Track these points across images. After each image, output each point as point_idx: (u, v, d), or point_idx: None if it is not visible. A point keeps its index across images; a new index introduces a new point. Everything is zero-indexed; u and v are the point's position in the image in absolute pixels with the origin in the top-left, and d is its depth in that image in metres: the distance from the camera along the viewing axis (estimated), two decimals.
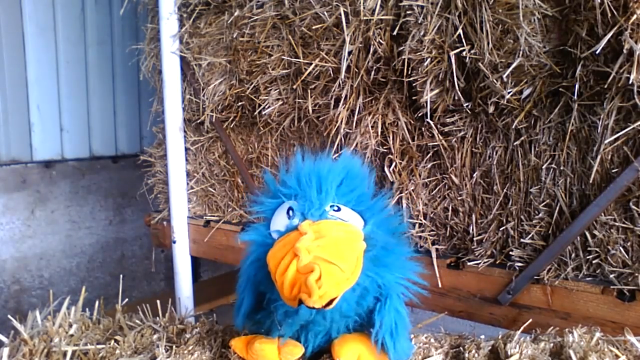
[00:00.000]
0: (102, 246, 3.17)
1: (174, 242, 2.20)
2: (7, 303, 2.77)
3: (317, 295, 0.76)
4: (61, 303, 1.21)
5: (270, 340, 0.96)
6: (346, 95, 1.59)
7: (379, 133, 1.58)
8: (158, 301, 1.32)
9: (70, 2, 2.92)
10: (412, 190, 1.55)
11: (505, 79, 1.26)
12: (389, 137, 1.57)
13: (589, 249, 1.28)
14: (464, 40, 1.30)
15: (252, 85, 1.83)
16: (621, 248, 1.23)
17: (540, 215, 1.34)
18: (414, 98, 1.49)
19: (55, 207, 2.94)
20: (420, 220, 1.56)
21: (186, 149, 2.22)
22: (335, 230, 0.88)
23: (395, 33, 1.44)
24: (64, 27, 2.91)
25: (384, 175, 1.60)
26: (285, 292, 0.81)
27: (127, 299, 1.31)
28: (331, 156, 1.05)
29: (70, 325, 1.15)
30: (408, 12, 1.39)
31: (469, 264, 1.47)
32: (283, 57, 1.72)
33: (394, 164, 1.57)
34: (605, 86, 1.15)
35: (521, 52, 1.21)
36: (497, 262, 1.43)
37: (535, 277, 1.34)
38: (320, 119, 1.70)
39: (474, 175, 1.45)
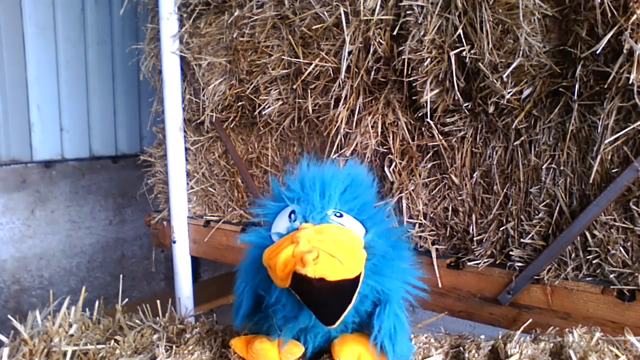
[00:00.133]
0: (102, 246, 3.17)
1: (174, 242, 2.20)
2: (7, 303, 2.77)
3: (312, 267, 0.74)
4: (61, 303, 1.21)
5: (270, 340, 0.96)
6: (346, 95, 1.59)
7: (379, 133, 1.58)
8: (158, 301, 1.32)
9: (70, 2, 2.92)
10: (412, 190, 1.55)
11: (505, 79, 1.26)
12: (389, 137, 1.57)
13: (589, 249, 1.28)
14: (464, 40, 1.30)
15: (252, 85, 1.83)
16: (621, 248, 1.23)
17: (540, 215, 1.34)
18: (414, 98, 1.49)
19: (55, 207, 2.94)
20: (420, 220, 1.56)
21: (186, 149, 2.22)
22: (336, 234, 0.87)
23: (395, 33, 1.44)
24: (64, 27, 2.91)
25: (384, 175, 1.60)
26: (278, 270, 0.79)
27: (127, 299, 1.31)
28: (334, 160, 1.05)
29: (70, 325, 1.15)
30: (408, 12, 1.39)
31: (469, 264, 1.47)
32: (283, 57, 1.72)
33: (394, 164, 1.57)
34: (605, 86, 1.15)
35: (521, 52, 1.21)
36: (497, 262, 1.43)
37: (535, 277, 1.34)
38: (320, 119, 1.70)
39: (474, 175, 1.45)
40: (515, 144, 1.36)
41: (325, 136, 1.70)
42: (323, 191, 0.95)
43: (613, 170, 1.21)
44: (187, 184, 2.24)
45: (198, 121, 2.11)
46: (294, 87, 1.72)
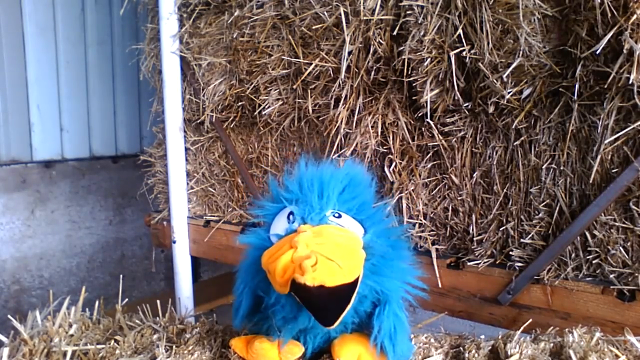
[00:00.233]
0: (102, 246, 3.17)
1: (174, 242, 2.20)
2: (7, 303, 2.77)
3: (311, 275, 0.75)
4: (61, 303, 1.21)
5: (270, 340, 0.96)
6: (346, 95, 1.59)
7: (379, 133, 1.58)
8: (158, 301, 1.32)
9: (70, 2, 2.92)
10: (412, 190, 1.55)
11: (505, 79, 1.26)
12: (389, 137, 1.57)
13: (589, 249, 1.28)
14: (464, 40, 1.30)
15: (252, 85, 1.83)
16: (621, 248, 1.23)
17: (540, 215, 1.34)
18: (414, 98, 1.49)
19: (55, 207, 2.94)
20: (420, 220, 1.56)
21: (186, 149, 2.22)
22: (335, 235, 0.87)
23: (395, 33, 1.44)
24: (64, 27, 2.91)
25: (384, 175, 1.60)
26: (277, 276, 0.79)
27: (127, 299, 1.31)
28: (334, 161, 1.05)
29: (70, 325, 1.15)
30: (408, 12, 1.39)
31: (469, 264, 1.47)
32: (283, 57, 1.72)
33: (394, 164, 1.57)
34: (605, 86, 1.15)
35: (521, 52, 1.21)
36: (497, 262, 1.43)
37: (535, 277, 1.34)
38: (320, 119, 1.70)
39: (474, 175, 1.45)
40: (515, 144, 1.36)
41: (325, 136, 1.70)
42: (321, 192, 0.95)
43: (613, 170, 1.21)
44: (187, 184, 2.24)
45: (198, 121, 2.11)
46: (294, 87, 1.72)
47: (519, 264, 1.37)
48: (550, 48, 1.22)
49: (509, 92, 1.27)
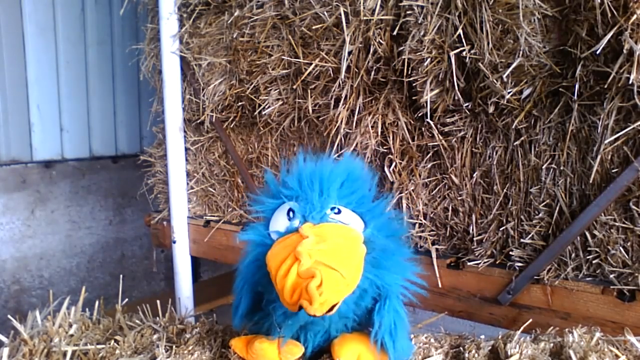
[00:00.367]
0: (102, 246, 3.17)
1: (174, 242, 2.20)
2: (7, 303, 2.77)
3: (318, 302, 0.76)
4: (61, 303, 1.21)
5: (270, 340, 0.96)
6: (346, 95, 1.59)
7: (379, 133, 1.58)
8: (158, 301, 1.32)
9: (70, 2, 2.92)
10: (412, 190, 1.55)
11: (505, 79, 1.26)
12: (389, 137, 1.57)
13: (589, 249, 1.28)
14: (464, 40, 1.30)
15: (252, 85, 1.83)
16: (621, 248, 1.23)
17: (540, 215, 1.34)
18: (414, 98, 1.49)
19: (55, 207, 2.94)
20: (420, 220, 1.56)
21: (186, 149, 2.22)
22: (336, 236, 0.88)
23: (395, 33, 1.44)
24: (64, 27, 2.91)
25: (384, 175, 1.60)
26: (286, 297, 0.81)
27: (127, 299, 1.31)
28: (332, 157, 1.05)
29: (70, 325, 1.15)
30: (408, 12, 1.39)
31: (469, 264, 1.47)
32: (283, 57, 1.72)
33: (394, 164, 1.57)
34: (605, 86, 1.15)
35: (521, 52, 1.21)
36: (497, 262, 1.43)
37: (535, 277, 1.34)
38: (320, 119, 1.70)
39: (474, 175, 1.45)
40: (515, 144, 1.36)
41: (325, 136, 1.70)
42: (321, 189, 0.95)
43: (613, 170, 1.21)
44: (187, 184, 2.24)
45: (198, 121, 2.11)
46: (294, 87, 1.72)
47: (519, 264, 1.37)
48: (550, 48, 1.22)
49: (509, 92, 1.27)
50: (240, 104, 1.92)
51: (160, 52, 2.09)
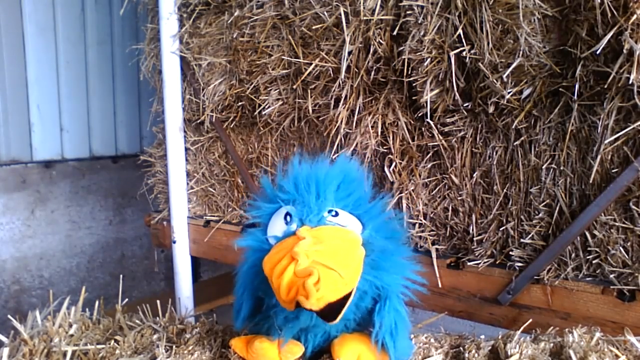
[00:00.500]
0: (102, 246, 3.17)
1: (174, 242, 2.20)
2: (7, 303, 2.77)
3: (315, 297, 0.76)
4: (61, 303, 1.21)
5: (270, 340, 0.96)
6: (346, 95, 1.59)
7: (379, 133, 1.58)
8: (158, 301, 1.32)
9: (70, 2, 2.92)
10: (412, 190, 1.55)
11: (505, 79, 1.26)
12: (389, 137, 1.57)
13: (589, 249, 1.28)
14: (464, 40, 1.30)
15: (252, 85, 1.83)
16: (621, 248, 1.23)
17: (540, 215, 1.34)
18: (414, 98, 1.49)
19: (55, 207, 2.94)
20: (420, 220, 1.56)
21: (186, 149, 2.22)
22: (334, 238, 0.87)
23: (395, 33, 1.44)
24: (64, 27, 2.91)
25: (384, 175, 1.60)
26: (282, 294, 0.80)
27: (127, 299, 1.31)
28: (329, 159, 1.05)
29: (70, 325, 1.15)
30: (408, 12, 1.39)
31: (469, 264, 1.47)
32: (283, 57, 1.72)
33: (394, 164, 1.57)
34: (605, 86, 1.15)
35: (521, 52, 1.21)
36: (497, 262, 1.43)
37: (535, 277, 1.34)
38: (320, 119, 1.70)
39: (474, 175, 1.45)
40: (515, 144, 1.36)
41: (325, 136, 1.70)
42: (318, 192, 0.95)
43: (613, 170, 1.21)
44: (187, 184, 2.24)
45: (198, 121, 2.11)
46: (294, 87, 1.72)
47: (519, 264, 1.37)
48: (550, 48, 1.22)
49: (509, 92, 1.27)
50: (240, 104, 1.92)
51: (160, 52, 2.09)
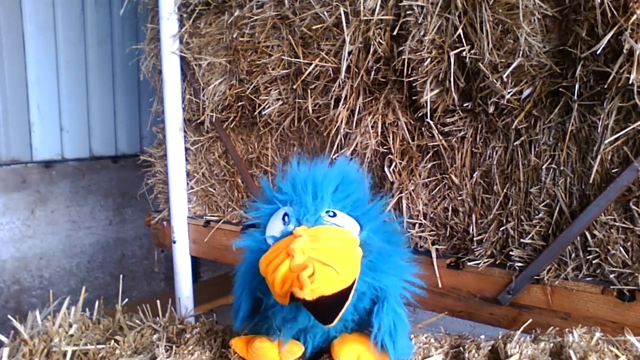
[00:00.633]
0: (102, 246, 3.17)
1: (174, 242, 2.20)
2: (7, 303, 2.77)
3: (309, 288, 0.75)
4: (61, 303, 1.21)
5: (270, 340, 0.96)
6: (346, 95, 1.59)
7: (379, 133, 1.58)
8: (158, 301, 1.32)
9: (70, 2, 2.92)
10: (412, 190, 1.55)
11: (505, 79, 1.26)
12: (389, 137, 1.57)
13: (589, 249, 1.28)
14: (464, 40, 1.30)
15: (252, 85, 1.83)
16: (621, 248, 1.23)
17: (540, 215, 1.34)
18: (414, 98, 1.49)
19: (55, 207, 2.94)
20: (420, 220, 1.56)
21: (186, 149, 2.22)
22: (331, 237, 0.87)
23: (395, 33, 1.44)
24: (64, 27, 2.91)
25: (384, 175, 1.60)
26: (276, 287, 0.80)
27: (127, 299, 1.31)
28: (328, 159, 1.05)
29: (70, 325, 1.15)
30: (408, 12, 1.39)
31: (469, 264, 1.47)
32: (283, 57, 1.72)
33: (394, 164, 1.57)
34: (605, 86, 1.15)
35: (521, 52, 1.21)
36: (497, 262, 1.43)
37: (535, 277, 1.34)
38: (320, 119, 1.70)
39: (474, 175, 1.45)
40: (515, 144, 1.36)
41: (325, 136, 1.70)
42: (315, 192, 0.95)
43: (613, 170, 1.21)
44: (187, 184, 2.24)
45: (198, 121, 2.11)
46: (294, 87, 1.72)
47: (519, 264, 1.37)
48: (550, 48, 1.22)
49: (509, 92, 1.27)
50: (240, 104, 1.92)
51: (160, 52, 2.09)
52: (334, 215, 0.94)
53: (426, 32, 1.35)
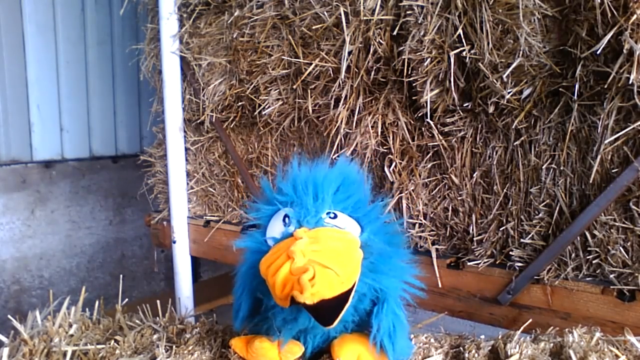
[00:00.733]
0: (102, 246, 3.17)
1: (174, 242, 2.20)
2: (7, 303, 2.77)
3: (309, 292, 0.75)
4: (61, 303, 1.21)
5: (270, 340, 0.96)
6: (346, 95, 1.59)
7: (379, 133, 1.58)
8: (158, 301, 1.32)
9: (70, 2, 2.92)
10: (412, 190, 1.55)
11: (505, 79, 1.26)
12: (389, 137, 1.57)
13: (589, 249, 1.28)
14: (464, 40, 1.30)
15: (252, 85, 1.83)
16: (621, 248, 1.23)
17: (540, 215, 1.34)
18: (414, 98, 1.49)
19: (55, 207, 2.94)
20: (420, 220, 1.56)
21: (186, 149, 2.22)
22: (331, 238, 0.87)
23: (395, 33, 1.44)
24: (64, 27, 2.91)
25: (384, 175, 1.60)
26: (277, 290, 0.80)
27: (127, 299, 1.31)
28: (328, 160, 1.05)
29: (70, 325, 1.15)
30: (408, 12, 1.39)
31: (469, 264, 1.47)
32: (283, 57, 1.72)
33: (394, 164, 1.57)
34: (605, 86, 1.15)
35: (521, 52, 1.21)
36: (497, 262, 1.43)
37: (535, 277, 1.34)
38: (320, 119, 1.70)
39: (474, 175, 1.45)
40: (515, 144, 1.36)
41: (325, 136, 1.70)
42: (316, 194, 0.94)
43: (613, 170, 1.21)
44: (187, 184, 2.24)
45: (198, 121, 2.11)
46: (294, 87, 1.72)
47: (519, 264, 1.37)
48: (550, 48, 1.22)
49: (509, 92, 1.27)
50: (240, 104, 1.92)
51: (160, 52, 2.09)
52: (335, 216, 0.94)
53: (426, 32, 1.35)
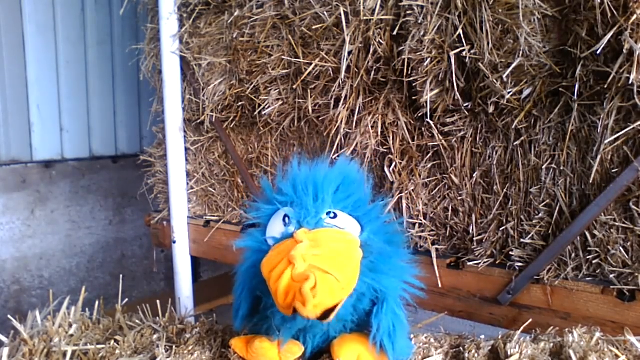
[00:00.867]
0: (102, 246, 3.17)
1: (174, 242, 2.20)
2: (7, 303, 2.77)
3: (312, 304, 0.76)
4: (61, 303, 1.21)
5: (270, 340, 0.96)
6: (346, 95, 1.59)
7: (379, 133, 1.58)
8: (158, 301, 1.32)
9: (70, 2, 2.92)
10: (412, 190, 1.55)
11: (505, 79, 1.26)
12: (389, 137, 1.57)
13: (589, 249, 1.28)
14: (464, 40, 1.30)
15: (252, 85, 1.83)
16: (621, 248, 1.23)
17: (540, 215, 1.34)
18: (414, 98, 1.49)
19: (55, 207, 2.94)
20: (420, 220, 1.56)
21: (186, 149, 2.22)
22: (331, 240, 0.87)
23: (395, 33, 1.44)
24: (64, 27, 2.91)
25: (384, 175, 1.60)
26: (280, 299, 0.80)
27: (127, 299, 1.31)
28: (328, 160, 1.04)
29: (70, 325, 1.15)
30: (408, 12, 1.39)
31: (469, 264, 1.47)
32: (283, 57, 1.72)
33: (394, 164, 1.57)
34: (605, 86, 1.15)
35: (521, 52, 1.21)
36: (497, 262, 1.43)
37: (535, 277, 1.34)
38: (320, 119, 1.70)
39: (474, 175, 1.45)
40: (515, 144, 1.36)
41: (325, 136, 1.70)
42: (316, 194, 0.94)
43: (613, 170, 1.21)
44: (187, 184, 2.24)
45: (198, 121, 2.11)
46: (294, 87, 1.72)
47: (519, 264, 1.37)
48: (550, 48, 1.22)
49: (509, 92, 1.27)
50: (240, 104, 1.92)
51: (160, 52, 2.09)
52: (335, 216, 0.94)
53: (426, 32, 1.35)
